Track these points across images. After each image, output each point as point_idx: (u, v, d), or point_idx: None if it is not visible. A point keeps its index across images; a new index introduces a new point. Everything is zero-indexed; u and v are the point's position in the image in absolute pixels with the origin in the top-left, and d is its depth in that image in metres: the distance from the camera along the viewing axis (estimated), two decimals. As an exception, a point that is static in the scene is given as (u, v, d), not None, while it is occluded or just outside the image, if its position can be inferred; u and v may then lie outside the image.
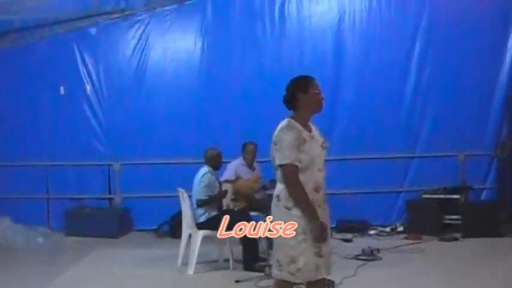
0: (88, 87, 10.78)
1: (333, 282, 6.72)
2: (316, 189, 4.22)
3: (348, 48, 10.54)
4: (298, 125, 4.22)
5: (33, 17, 10.07)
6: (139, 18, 10.72)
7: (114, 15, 10.73)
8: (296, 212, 4.19)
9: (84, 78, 10.79)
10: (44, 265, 8.57)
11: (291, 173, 4.23)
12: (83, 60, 10.79)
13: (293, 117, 4.28)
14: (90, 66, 10.79)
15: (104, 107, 10.81)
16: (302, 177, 4.16)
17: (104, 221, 10.31)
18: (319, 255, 4.23)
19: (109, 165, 10.82)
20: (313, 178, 4.22)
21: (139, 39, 10.70)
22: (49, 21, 10.50)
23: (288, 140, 4.18)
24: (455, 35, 10.28)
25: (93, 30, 10.77)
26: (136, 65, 10.72)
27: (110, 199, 10.94)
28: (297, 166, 4.17)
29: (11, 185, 10.76)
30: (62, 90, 10.75)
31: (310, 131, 4.27)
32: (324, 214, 4.28)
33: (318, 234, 4.18)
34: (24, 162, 10.76)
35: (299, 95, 4.27)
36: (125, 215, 10.66)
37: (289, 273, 4.19)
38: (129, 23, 10.73)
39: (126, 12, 10.69)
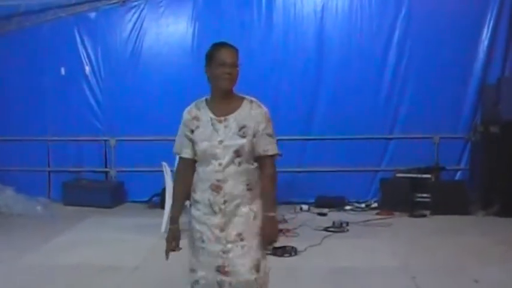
0: (87, 68, 11.70)
1: (295, 249, 7.76)
2: (215, 189, 3.82)
3: (331, 33, 11.28)
4: (201, 107, 3.92)
5: (37, 1, 11.00)
6: (135, 3, 11.56)
7: (112, 1, 11.59)
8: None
9: (83, 59, 11.70)
10: (41, 230, 9.55)
11: (177, 164, 4.08)
12: (83, 42, 11.70)
13: (209, 97, 3.98)
14: (89, 48, 11.70)
15: (102, 86, 11.72)
16: (199, 171, 3.90)
17: (99, 192, 11.30)
18: (192, 269, 4.04)
19: (105, 140, 11.76)
20: (208, 174, 3.84)
21: (135, 24, 11.55)
22: (52, 6, 11.42)
23: (181, 125, 3.99)
24: (433, 23, 11.08)
25: (92, 15, 11.67)
26: (132, 47, 11.59)
27: (106, 172, 11.92)
28: (183, 157, 3.96)
29: (15, 158, 11.83)
30: (63, 71, 11.71)
31: (225, 114, 3.85)
32: (220, 221, 3.86)
33: (166, 243, 3.98)
34: (28, 137, 11.79)
35: (205, 68, 3.93)
36: (119, 187, 11.64)
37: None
38: (126, 8, 11.59)
39: (124, -1, 11.58)
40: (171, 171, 8.93)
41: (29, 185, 11.48)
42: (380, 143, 11.34)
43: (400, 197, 10.51)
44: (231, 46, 3.92)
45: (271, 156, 3.96)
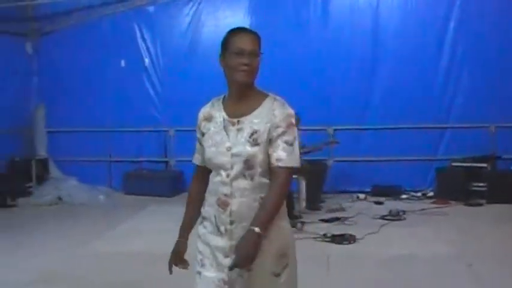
0: (147, 60, 12.25)
1: (354, 236, 8.09)
2: (221, 205, 3.19)
3: (386, 24, 11.56)
4: (216, 105, 3.33)
5: (98, -3, 11.55)
6: (194, -4, 12.05)
7: (170, -5, 12.07)
8: None
9: (143, 52, 12.27)
10: (104, 218, 10.15)
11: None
12: (142, 35, 12.27)
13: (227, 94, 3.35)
14: (148, 41, 12.26)
15: (161, 78, 12.25)
16: (210, 182, 3.30)
17: (159, 181, 11.81)
18: None
19: (165, 131, 12.27)
20: (216, 186, 3.23)
21: (192, 17, 12.05)
22: (112, 1, 11.95)
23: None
24: (490, 9, 11.23)
25: (151, 9, 12.21)
26: (190, 40, 12.07)
27: (166, 162, 12.44)
28: (194, 163, 3.51)
29: (78, 149, 12.47)
30: (123, 63, 12.32)
31: (240, 114, 3.20)
32: (226, 244, 3.19)
33: (170, 256, 3.48)
34: (90, 128, 12.41)
35: (219, 58, 3.30)
36: (178, 177, 12.07)
37: None
38: (184, 2, 12.10)
39: (182, -8, 12.02)
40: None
41: (92, 175, 12.08)
42: (436, 132, 11.54)
43: (455, 186, 10.72)
44: (250, 31, 3.27)
45: (286, 168, 3.11)
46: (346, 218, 9.33)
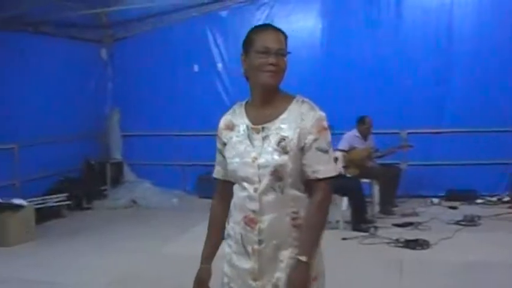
0: (219, 65, 12.46)
1: (428, 242, 8.09)
2: (249, 223, 2.95)
3: (460, 26, 11.43)
4: (238, 112, 3.12)
5: (169, 2, 11.73)
6: (265, 1, 12.23)
7: (242, -1, 12.29)
8: None
9: (215, 57, 12.49)
10: (177, 222, 10.37)
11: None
12: (215, 40, 12.50)
13: (250, 99, 3.13)
14: (221, 46, 12.48)
15: (233, 82, 12.37)
16: (235, 197, 3.05)
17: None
18: None
19: (238, 135, 12.31)
20: (242, 202, 2.98)
21: (265, 21, 11.91)
22: (184, 6, 12.16)
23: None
24: None
25: (224, 13, 12.42)
26: (261, 44, 12.10)
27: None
28: (216, 177, 3.25)
29: (153, 152, 12.77)
30: (196, 68, 12.59)
31: (265, 120, 2.97)
32: (254, 266, 2.97)
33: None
34: (164, 132, 12.70)
35: (241, 58, 3.09)
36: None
37: None
38: (257, 6, 12.27)
39: (253, -4, 12.22)
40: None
41: (165, 179, 12.36)
42: (511, 135, 11.35)
43: (532, 191, 10.54)
44: (276, 28, 3.03)
45: (324, 180, 2.92)
46: (419, 223, 9.33)
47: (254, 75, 2.99)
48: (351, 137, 10.33)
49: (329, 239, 8.46)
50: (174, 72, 12.59)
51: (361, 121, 10.29)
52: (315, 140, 2.91)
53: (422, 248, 8.04)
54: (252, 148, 2.95)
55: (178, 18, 12.49)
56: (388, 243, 8.33)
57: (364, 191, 9.49)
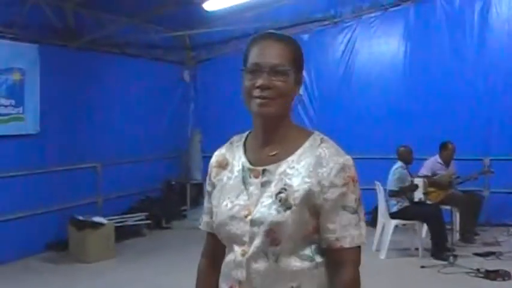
0: (301, 89, 12.46)
1: (509, 273, 8.03)
2: None
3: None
4: (235, 146, 2.52)
5: (252, 25, 11.96)
6: (347, 24, 12.36)
7: (324, 22, 12.47)
8: None
9: (297, 80, 12.51)
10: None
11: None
12: (297, 63, 12.51)
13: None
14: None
15: (315, 106, 12.57)
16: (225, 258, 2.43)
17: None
18: None
19: (318, 159, 12.38)
20: (227, 269, 2.39)
21: (347, 44, 12.33)
22: (266, 29, 12.30)
23: None
24: None
25: (305, 36, 12.53)
26: (344, 68, 12.35)
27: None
28: (208, 232, 2.56)
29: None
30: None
31: (266, 161, 2.34)
32: None
33: None
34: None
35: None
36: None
37: None
38: (338, 29, 12.41)
39: (335, 20, 12.36)
40: (384, 189, 9.50)
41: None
42: None
43: None
44: (277, 37, 2.39)
45: (352, 250, 2.26)
46: (501, 253, 9.21)
47: (246, 101, 2.39)
48: (432, 162, 10.31)
49: (407, 267, 8.51)
50: (256, 94, 12.70)
51: (443, 147, 10.25)
52: (341, 195, 2.22)
53: (503, 280, 7.93)
54: (246, 196, 2.30)
55: (260, 41, 12.63)
56: (468, 273, 8.27)
57: (445, 218, 9.44)
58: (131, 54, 11.66)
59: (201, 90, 13.65)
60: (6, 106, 9.29)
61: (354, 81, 12.26)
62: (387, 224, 9.46)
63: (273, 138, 2.37)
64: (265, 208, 2.24)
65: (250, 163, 2.38)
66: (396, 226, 9.37)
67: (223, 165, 2.48)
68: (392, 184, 9.44)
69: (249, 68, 2.37)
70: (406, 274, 8.59)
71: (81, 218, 9.71)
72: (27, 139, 9.69)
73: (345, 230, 2.23)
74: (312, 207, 2.23)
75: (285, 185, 2.25)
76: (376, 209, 10.25)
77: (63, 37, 10.18)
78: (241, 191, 2.33)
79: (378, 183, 9.68)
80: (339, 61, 12.39)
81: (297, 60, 2.39)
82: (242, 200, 2.31)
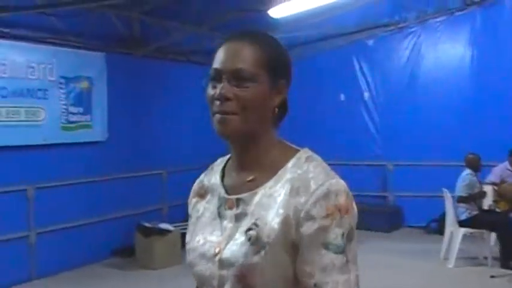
0: (366, 94, 12.59)
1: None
2: None
3: None
4: (216, 171, 2.09)
5: (316, 32, 11.95)
6: (412, 29, 12.23)
7: (389, 28, 12.36)
8: None
9: (362, 86, 12.63)
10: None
11: None
12: (361, 69, 12.64)
13: None
14: (367, 75, 12.60)
15: (380, 111, 12.50)
16: None
17: (377, 216, 11.90)
18: None
19: (383, 165, 12.43)
20: None
21: (412, 49, 12.22)
22: (331, 35, 12.35)
23: None
24: None
25: (370, 42, 12.55)
26: (410, 73, 12.23)
27: (384, 197, 12.61)
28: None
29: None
30: (342, 97, 12.78)
31: (242, 189, 1.91)
32: None
33: None
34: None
35: None
36: (397, 212, 12.28)
37: None
38: (403, 35, 12.29)
39: (400, 25, 12.25)
40: (452, 196, 9.35)
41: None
42: None
43: None
44: (244, 37, 1.90)
45: None
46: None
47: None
48: (502, 169, 10.09)
49: (477, 276, 8.35)
50: (320, 100, 12.79)
51: (511, 153, 10.04)
52: (321, 229, 1.74)
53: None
54: (219, 231, 1.91)
55: (324, 47, 12.70)
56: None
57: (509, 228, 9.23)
58: (196, 62, 11.73)
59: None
60: (74, 114, 9.51)
61: (419, 86, 12.12)
62: (455, 232, 9.31)
63: (249, 161, 1.93)
64: (237, 247, 1.80)
65: (226, 191, 1.96)
66: (464, 234, 9.21)
67: (201, 194, 2.09)
68: (461, 190, 9.29)
69: (210, 76, 1.91)
70: (475, 284, 8.46)
71: (147, 224, 9.83)
72: (95, 146, 9.88)
73: (326, 274, 1.73)
74: (290, 247, 1.76)
75: (257, 219, 1.81)
76: (443, 216, 10.11)
77: (129, 45, 10.34)
78: (216, 225, 1.93)
79: (445, 190, 9.53)
80: (404, 66, 12.27)
81: (273, 63, 1.89)
82: (215, 235, 1.90)
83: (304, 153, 1.92)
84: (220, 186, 1.99)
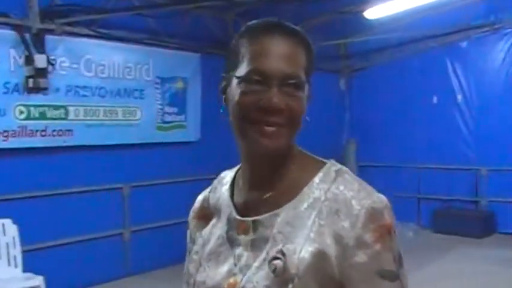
0: (459, 97, 12.35)
1: None
2: None
3: None
4: (222, 186, 1.79)
5: (409, 34, 11.83)
6: (507, 31, 11.94)
7: (483, 29, 12.07)
8: None
9: (455, 88, 12.39)
10: (413, 257, 10.20)
11: None
12: (454, 71, 12.40)
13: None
14: (461, 77, 12.35)
15: (474, 114, 12.24)
16: None
17: (468, 221, 11.76)
18: None
19: (476, 169, 12.17)
20: None
21: (507, 51, 11.93)
22: (423, 37, 12.20)
23: None
24: None
25: (463, 44, 12.31)
26: (505, 75, 11.93)
27: (476, 202, 12.35)
28: None
29: (388, 183, 12.59)
30: (435, 100, 12.56)
31: (259, 209, 1.62)
32: None
33: None
34: (399, 164, 12.79)
35: (220, 87, 1.71)
36: (490, 218, 11.96)
37: None
38: (498, 36, 12.01)
39: (495, 26, 11.95)
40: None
41: (400, 211, 12.18)
42: None
43: None
44: (286, 30, 1.60)
45: None
46: None
47: (236, 126, 1.60)
48: None
49: None
50: (412, 103, 12.65)
51: None
52: (375, 256, 1.49)
53: None
54: (232, 260, 1.62)
55: (416, 49, 12.56)
56: None
57: None
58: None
59: (356, 99, 13.62)
60: (169, 114, 9.70)
61: (516, 90, 11.87)
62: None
63: (268, 176, 1.63)
64: (258, 279, 1.52)
65: (237, 212, 1.66)
66: None
67: (206, 215, 1.78)
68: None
69: (247, 77, 1.54)
70: None
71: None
72: (188, 146, 10.05)
73: None
74: (327, 280, 1.49)
75: (282, 246, 1.52)
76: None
77: (224, 46, 10.39)
78: (226, 253, 1.64)
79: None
80: (499, 68, 11.98)
81: (310, 66, 1.61)
82: (227, 266, 1.61)
83: (332, 165, 1.63)
84: (230, 205, 1.68)
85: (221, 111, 1.65)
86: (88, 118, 8.53)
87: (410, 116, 12.68)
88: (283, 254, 1.49)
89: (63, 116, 8.22)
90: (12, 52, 7.68)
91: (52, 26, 8.04)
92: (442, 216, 12.10)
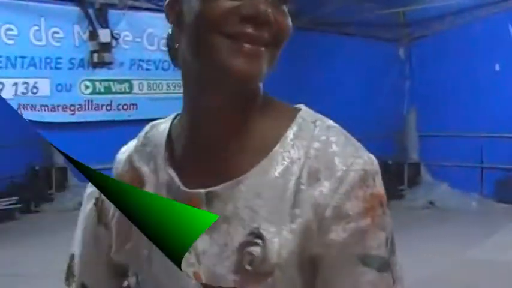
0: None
1: None
2: None
3: None
4: (147, 150, 1.29)
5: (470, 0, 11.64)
6: None
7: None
8: None
9: (518, 55, 12.16)
10: (478, 227, 10.24)
11: None
12: (517, 37, 12.11)
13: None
14: (524, 43, 12.08)
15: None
16: None
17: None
18: None
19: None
20: None
21: None
22: (485, 3, 11.97)
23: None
24: None
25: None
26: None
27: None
28: None
29: (450, 153, 12.65)
30: (497, 67, 12.30)
31: (215, 177, 1.15)
32: None
33: None
34: (462, 133, 12.55)
35: (167, 11, 1.18)
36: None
37: None
38: None
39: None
40: None
41: (463, 181, 12.23)
42: None
43: None
44: None
45: None
46: None
47: (194, 43, 1.13)
48: None
49: None
50: (474, 71, 12.38)
51: None
52: (359, 233, 1.10)
53: None
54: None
55: (478, 15, 12.31)
56: None
57: None
58: (348, 33, 11.70)
59: (416, 67, 13.41)
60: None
61: None
62: None
63: (230, 127, 1.18)
64: (226, 271, 1.13)
65: (183, 181, 1.20)
66: None
67: (133, 182, 1.25)
68: None
69: None
70: None
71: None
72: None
73: None
74: (306, 264, 1.13)
75: (258, 226, 1.12)
76: None
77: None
78: None
79: None
80: None
81: None
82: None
83: (306, 113, 1.22)
84: (170, 171, 1.22)
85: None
86: (152, 92, 8.61)
87: (472, 84, 12.43)
88: (261, 237, 1.10)
89: (127, 90, 8.32)
90: (76, 28, 7.80)
91: (114, 1, 8.13)
92: (505, 185, 11.94)
